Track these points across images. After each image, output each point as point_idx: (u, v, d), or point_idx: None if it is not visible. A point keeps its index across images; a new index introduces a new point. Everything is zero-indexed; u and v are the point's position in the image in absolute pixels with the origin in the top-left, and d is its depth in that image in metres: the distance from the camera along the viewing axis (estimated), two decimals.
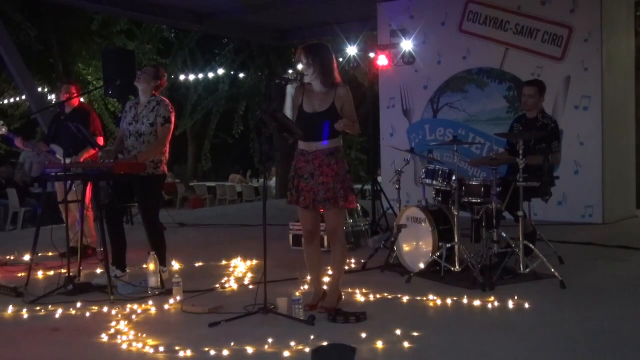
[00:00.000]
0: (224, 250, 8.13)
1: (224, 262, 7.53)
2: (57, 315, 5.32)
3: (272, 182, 19.20)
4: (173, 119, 6.44)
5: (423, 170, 6.90)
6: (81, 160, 7.42)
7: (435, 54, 11.63)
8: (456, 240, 6.25)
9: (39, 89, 19.24)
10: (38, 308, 5.54)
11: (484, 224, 6.32)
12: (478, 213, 6.39)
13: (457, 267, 6.23)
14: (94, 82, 20.79)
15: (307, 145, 5.21)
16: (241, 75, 20.22)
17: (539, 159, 6.39)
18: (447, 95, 11.58)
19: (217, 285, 6.28)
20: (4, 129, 7.79)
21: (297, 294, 5.15)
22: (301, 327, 4.78)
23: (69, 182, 6.34)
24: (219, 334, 4.64)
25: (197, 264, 7.48)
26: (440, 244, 6.33)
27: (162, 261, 6.29)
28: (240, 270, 7.05)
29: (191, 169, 26.89)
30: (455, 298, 5.53)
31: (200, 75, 20.26)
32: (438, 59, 11.62)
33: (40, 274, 7.03)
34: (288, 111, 5.19)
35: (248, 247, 7.91)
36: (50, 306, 5.56)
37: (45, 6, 19.28)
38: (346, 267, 6.23)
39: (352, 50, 12.67)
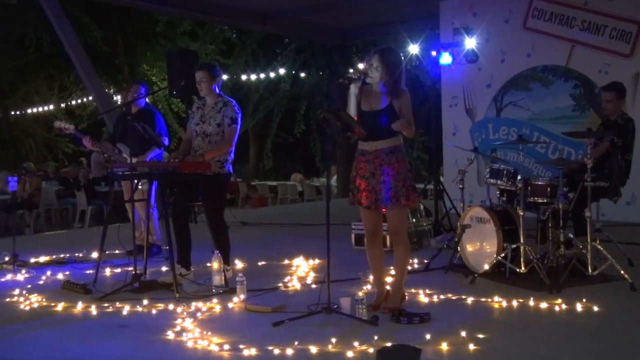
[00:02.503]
0: (287, 250, 8.16)
1: (286, 262, 7.56)
2: (124, 312, 5.42)
3: (333, 181, 19.21)
4: (240, 119, 6.49)
5: (487, 170, 6.82)
6: (147, 159, 7.54)
7: (499, 52, 11.47)
8: (522, 241, 6.15)
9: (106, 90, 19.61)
10: (106, 305, 5.66)
11: (550, 225, 6.20)
12: (544, 213, 6.28)
13: (523, 268, 6.13)
14: (159, 83, 21.10)
15: (367, 145, 5.20)
16: (302, 74, 20.26)
17: (603, 148, 6.28)
18: (511, 94, 11.41)
19: (280, 285, 6.31)
20: (71, 128, 7.96)
21: (360, 294, 5.13)
22: (364, 327, 4.76)
23: (136, 181, 6.46)
24: (283, 333, 4.66)
25: (260, 263, 7.53)
26: (505, 244, 6.24)
27: (226, 260, 6.35)
28: (302, 269, 7.07)
29: (253, 168, 27.08)
30: (521, 300, 5.44)
31: (262, 75, 20.38)
32: (502, 57, 11.46)
33: (107, 271, 7.17)
34: (352, 110, 5.19)
35: (310, 247, 7.92)
36: (117, 303, 5.66)
37: (111, 8, 19.65)
38: (409, 268, 6.18)
39: (414, 49, 12.58)
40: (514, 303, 5.39)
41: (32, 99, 25.35)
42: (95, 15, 19.64)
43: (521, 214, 6.17)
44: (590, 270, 6.04)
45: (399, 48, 12.94)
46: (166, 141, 7.86)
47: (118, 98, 21.55)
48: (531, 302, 5.39)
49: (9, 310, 5.72)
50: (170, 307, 5.53)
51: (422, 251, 7.94)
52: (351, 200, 5.32)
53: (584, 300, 5.31)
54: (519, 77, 11.29)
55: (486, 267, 6.32)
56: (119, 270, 7.16)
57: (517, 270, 6.14)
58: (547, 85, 11.00)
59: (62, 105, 25.29)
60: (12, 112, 26.32)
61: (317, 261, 7.36)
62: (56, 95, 25.00)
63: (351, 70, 14.33)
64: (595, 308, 5.18)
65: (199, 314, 5.30)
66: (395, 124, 5.00)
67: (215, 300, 5.68)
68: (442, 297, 5.67)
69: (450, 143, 11.53)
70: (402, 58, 5.29)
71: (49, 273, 7.23)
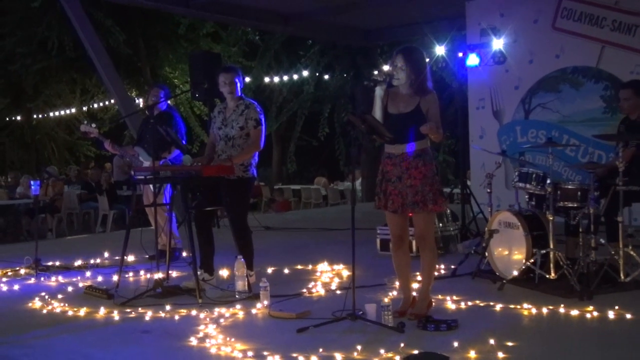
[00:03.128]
0: (311, 255, 8.16)
1: (310, 267, 7.56)
2: (147, 318, 5.44)
3: (358, 184, 19.18)
4: (264, 120, 6.50)
5: (516, 174, 6.77)
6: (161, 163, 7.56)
7: (527, 53, 11.39)
8: (551, 246, 6.09)
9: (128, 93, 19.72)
10: (128, 310, 5.69)
11: (581, 230, 6.14)
12: (574, 218, 6.22)
13: (553, 274, 6.06)
14: (181, 86, 21.19)
15: (393, 148, 5.18)
16: (326, 76, 20.23)
17: (630, 152, 6.21)
18: (539, 96, 11.33)
19: (304, 290, 6.31)
20: (95, 132, 8.04)
21: (385, 300, 5.11)
22: (391, 334, 4.75)
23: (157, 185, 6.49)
24: (307, 340, 4.65)
25: (283, 269, 7.53)
26: (534, 250, 6.18)
27: (250, 265, 6.35)
28: (327, 275, 7.06)
29: (276, 172, 27.11)
30: (551, 307, 5.39)
31: (286, 78, 20.39)
32: (530, 58, 11.38)
33: (130, 276, 7.21)
34: (377, 113, 5.18)
35: (335, 252, 7.92)
36: (140, 308, 5.69)
37: (133, 11, 19.78)
38: (436, 273, 6.15)
39: (440, 50, 12.53)
40: (544, 310, 5.35)
41: (55, 102, 25.54)
42: (117, 18, 19.77)
43: (551, 218, 6.11)
44: (622, 277, 5.97)
45: (425, 49, 12.94)
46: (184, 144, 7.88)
47: (140, 101, 21.67)
48: (561, 310, 5.33)
49: (32, 315, 5.77)
50: (193, 312, 5.54)
51: (448, 257, 7.90)
52: (377, 204, 5.31)
53: (616, 307, 5.25)
54: (548, 78, 11.21)
55: (515, 273, 6.27)
56: (141, 275, 7.20)
57: (547, 276, 6.08)
58: (576, 86, 10.90)
59: (84, 108, 25.47)
60: (34, 116, 26.56)
61: (341, 266, 7.34)
62: (78, 99, 25.16)
63: (376, 72, 14.27)
64: (628, 316, 5.11)
65: (222, 320, 5.31)
66: (424, 127, 4.98)
67: (238, 306, 5.68)
68: (469, 303, 5.64)
69: (477, 146, 11.46)
70: (426, 57, 5.27)
71: (71, 278, 7.27)
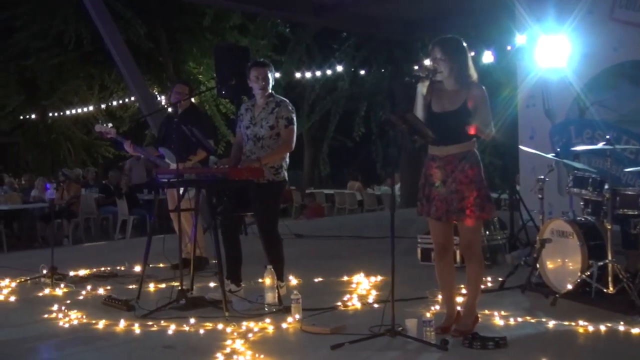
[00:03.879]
0: (346, 265, 8.16)
1: (345, 278, 7.56)
2: (169, 332, 5.49)
3: (396, 189, 19.14)
4: (295, 120, 6.51)
5: (570, 178, 6.71)
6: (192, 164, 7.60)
7: (581, 46, 11.28)
8: (609, 257, 6.03)
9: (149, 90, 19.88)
10: (150, 323, 5.73)
11: None
12: (635, 227, 6.15)
13: (611, 288, 6.00)
14: (206, 83, 21.29)
15: (437, 150, 5.17)
16: (362, 72, 20.25)
17: None
18: (595, 93, 11.20)
19: (339, 303, 6.31)
20: (112, 132, 8.09)
21: (427, 315, 5.09)
22: (432, 352, 4.74)
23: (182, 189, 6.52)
24: (342, 357, 4.66)
25: (316, 280, 7.54)
26: (590, 261, 6.12)
27: (280, 276, 6.36)
28: (363, 287, 7.06)
29: (308, 175, 27.15)
30: (609, 325, 5.34)
31: (318, 73, 20.44)
32: (585, 51, 11.28)
33: (152, 286, 7.26)
34: (419, 112, 5.17)
35: (372, 262, 7.91)
36: (162, 321, 5.74)
37: (155, 2, 19.97)
38: (482, 286, 6.10)
39: (487, 43, 12.46)
40: (601, 328, 5.30)
41: (71, 99, 25.83)
42: (137, 10, 19.95)
43: (609, 227, 6.05)
44: None
45: (470, 42, 12.88)
46: (212, 145, 7.91)
47: (162, 98, 21.82)
48: (620, 327, 5.28)
49: (48, 327, 5.84)
50: (219, 326, 5.57)
51: (496, 268, 7.85)
52: (419, 210, 5.29)
53: None
54: (605, 73, 11.07)
55: (569, 286, 6.21)
56: (163, 285, 7.25)
57: (605, 290, 6.01)
58: (636, 83, 10.77)
59: (103, 106, 25.71)
60: (50, 114, 26.88)
61: (379, 278, 7.33)
62: (96, 96, 25.41)
63: (417, 67, 14.21)
64: None
65: (250, 335, 5.33)
66: (469, 126, 4.96)
67: (268, 320, 5.70)
68: (519, 319, 5.60)
69: (526, 147, 11.39)
70: (469, 50, 5.24)
71: (89, 288, 7.35)
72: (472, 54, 5.38)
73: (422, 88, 5.17)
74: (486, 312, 5.74)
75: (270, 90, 6.52)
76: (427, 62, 5.31)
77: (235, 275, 6.52)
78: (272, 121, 6.41)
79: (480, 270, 5.31)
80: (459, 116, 5.07)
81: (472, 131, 4.98)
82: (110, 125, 8.33)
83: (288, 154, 6.51)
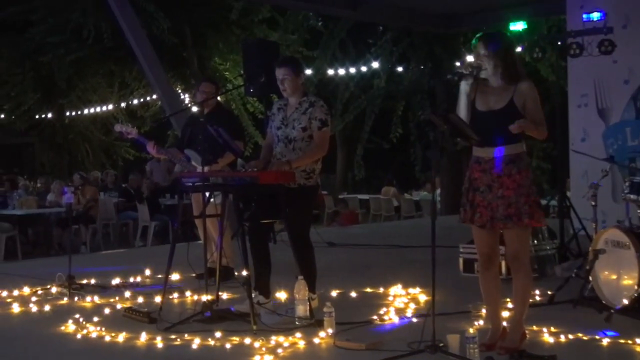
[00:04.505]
0: (382, 276, 8.15)
1: (382, 290, 7.54)
2: (194, 346, 5.51)
3: (437, 194, 19.10)
4: (329, 121, 6.51)
5: (627, 184, 6.65)
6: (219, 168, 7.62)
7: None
8: None
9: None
10: (173, 337, 5.76)
11: None
12: None
13: None
14: (233, 80, 21.35)
15: (482, 152, 5.15)
16: (400, 69, 20.21)
17: None
18: None
19: (375, 317, 6.30)
20: (133, 132, 8.12)
21: (470, 330, 5.06)
22: None
23: (208, 193, 6.54)
24: None
25: (350, 292, 7.53)
26: None
27: (312, 287, 6.37)
28: (401, 299, 7.04)
29: (340, 179, 27.15)
30: None
31: (353, 70, 20.43)
32: None
33: (175, 297, 7.29)
34: (462, 112, 5.15)
35: (410, 273, 7.89)
36: (186, 335, 5.76)
37: None
38: (530, 300, 6.06)
39: (535, 37, 12.38)
40: None
41: (90, 97, 26.00)
42: (160, 3, 20.06)
43: None
44: None
45: (516, 37, 12.82)
46: (241, 147, 7.91)
47: (186, 97, 21.93)
48: None
49: (64, 340, 5.89)
50: (247, 341, 5.58)
51: (544, 280, 7.80)
52: (462, 217, 5.27)
53: None
54: None
55: (625, 301, 6.15)
56: (188, 296, 7.28)
57: None
58: None
59: (123, 104, 25.88)
60: (67, 113, 27.08)
61: (418, 290, 7.30)
62: (116, 94, 25.58)
63: (459, 64, 14.16)
64: None
65: (280, 350, 5.33)
66: (513, 125, 4.94)
67: (298, 335, 5.70)
68: (570, 336, 5.56)
69: (578, 150, 11.30)
70: (515, 44, 5.23)
71: (108, 298, 7.39)
72: (519, 49, 5.34)
73: (466, 86, 5.15)
74: (534, 328, 5.69)
75: (297, 90, 6.51)
76: (469, 58, 5.30)
77: (264, 286, 6.53)
78: (304, 122, 6.41)
79: (528, 283, 5.28)
80: (506, 115, 5.04)
81: (516, 129, 4.94)
82: (131, 125, 8.34)
83: (321, 157, 6.51)
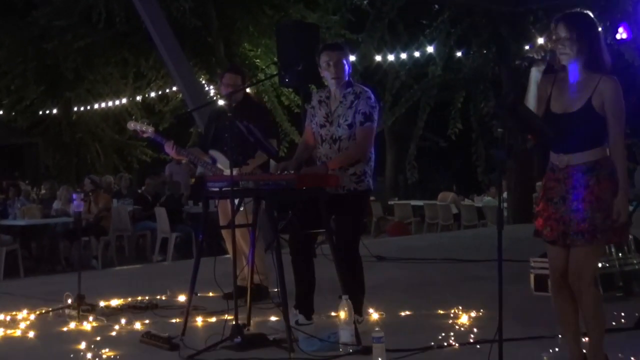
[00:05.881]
0: (440, 295, 8.15)
1: (440, 312, 7.53)
2: None
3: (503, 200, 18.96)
4: (377, 115, 6.50)
5: None
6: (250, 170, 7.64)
7: None
8: None
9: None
10: None
11: None
12: None
13: None
14: (265, 69, 21.36)
15: (557, 159, 5.11)
16: (459, 54, 20.13)
17: None
18: None
19: (433, 344, 6.28)
20: (149, 130, 8.15)
21: (544, 358, 5.04)
22: None
23: (237, 200, 6.57)
24: None
25: (403, 313, 7.53)
26: None
27: (358, 308, 6.37)
28: (462, 322, 7.02)
29: (390, 183, 27.10)
30: None
31: (404, 56, 20.37)
32: None
33: (199, 320, 7.33)
34: (532, 102, 5.11)
35: (472, 291, 7.88)
36: None
37: None
38: (614, 323, 6.03)
39: (617, 17, 12.28)
40: None
41: (100, 90, 26.08)
42: None
43: None
44: None
45: (598, 16, 12.72)
46: (275, 145, 7.91)
47: (211, 89, 21.97)
48: None
49: None
50: None
51: (632, 300, 7.74)
52: (537, 230, 5.24)
53: None
54: None
55: None
56: (214, 319, 7.31)
57: None
58: None
59: (138, 98, 25.95)
60: (75, 108, 27.26)
61: (482, 312, 7.29)
62: (131, 86, 25.60)
63: (528, 47, 14.09)
64: None
65: None
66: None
67: None
68: None
69: None
70: (598, 26, 5.18)
71: (123, 321, 7.43)
72: (600, 29, 5.29)
73: (537, 73, 5.11)
74: (620, 355, 5.65)
75: (347, 78, 6.50)
76: (541, 40, 5.26)
77: (307, 304, 6.54)
78: (351, 118, 6.40)
79: (597, 305, 5.18)
80: (582, 119, 5.00)
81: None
82: (147, 122, 8.36)
83: (373, 156, 6.50)
